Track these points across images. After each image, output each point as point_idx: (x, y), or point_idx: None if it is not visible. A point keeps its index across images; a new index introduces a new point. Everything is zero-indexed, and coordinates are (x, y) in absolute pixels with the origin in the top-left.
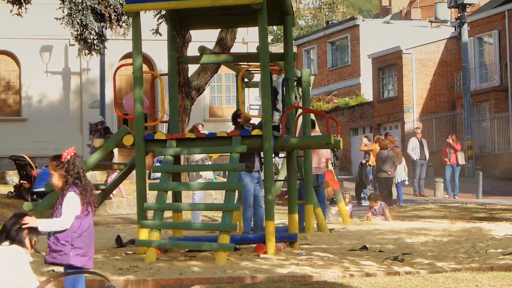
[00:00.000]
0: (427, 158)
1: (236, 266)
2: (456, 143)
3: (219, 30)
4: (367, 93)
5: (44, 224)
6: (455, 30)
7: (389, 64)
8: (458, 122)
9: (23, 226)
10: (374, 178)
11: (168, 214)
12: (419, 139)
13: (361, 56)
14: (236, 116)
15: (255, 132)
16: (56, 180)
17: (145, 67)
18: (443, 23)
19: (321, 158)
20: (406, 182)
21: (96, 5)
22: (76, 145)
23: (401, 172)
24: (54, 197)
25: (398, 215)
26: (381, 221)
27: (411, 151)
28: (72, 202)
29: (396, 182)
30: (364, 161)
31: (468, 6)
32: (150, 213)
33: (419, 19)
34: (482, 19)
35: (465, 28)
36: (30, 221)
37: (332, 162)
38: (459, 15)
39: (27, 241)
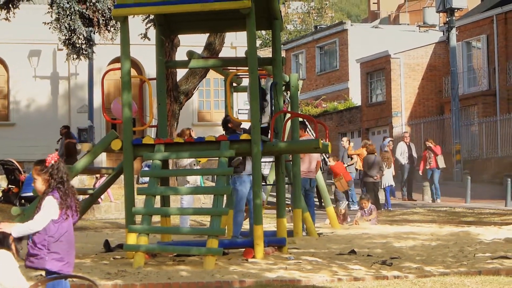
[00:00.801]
0: (415, 163)
1: (224, 271)
2: (435, 147)
3: (207, 34)
4: (355, 98)
5: (17, 229)
6: (443, 34)
7: (377, 69)
8: (446, 127)
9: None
10: (361, 183)
11: (156, 218)
12: (407, 144)
13: (349, 60)
14: (226, 122)
15: (244, 136)
16: (40, 184)
17: (133, 72)
18: (432, 27)
19: (312, 162)
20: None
21: (84, 10)
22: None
23: (388, 177)
24: None
25: (386, 219)
26: (370, 223)
27: (399, 155)
28: (48, 206)
29: (383, 187)
30: (346, 165)
31: (456, 10)
32: (138, 218)
33: (408, 24)
34: (470, 24)
35: (454, 32)
36: (4, 227)
37: (321, 167)
38: (447, 19)
39: (13, 247)
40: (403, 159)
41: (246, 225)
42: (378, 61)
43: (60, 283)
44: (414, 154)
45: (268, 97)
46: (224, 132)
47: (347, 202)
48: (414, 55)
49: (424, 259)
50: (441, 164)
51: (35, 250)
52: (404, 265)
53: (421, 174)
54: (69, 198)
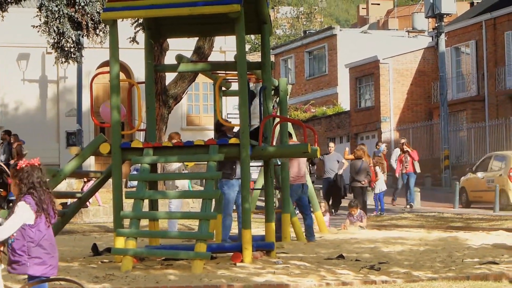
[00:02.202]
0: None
1: (212, 275)
2: (413, 151)
3: (196, 38)
4: (344, 103)
5: None
6: (432, 40)
7: (366, 74)
8: (435, 132)
9: None
10: (349, 188)
11: (144, 222)
12: (404, 150)
13: (338, 65)
14: (220, 125)
15: (233, 140)
16: (13, 188)
17: (122, 75)
18: (421, 33)
19: (301, 166)
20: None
21: (73, 13)
22: (52, 153)
23: (381, 183)
24: None
25: (374, 224)
26: (358, 229)
27: (394, 161)
28: (19, 212)
29: (377, 192)
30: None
31: (445, 16)
32: (126, 222)
33: (397, 29)
34: (459, 29)
35: (443, 38)
36: None
37: (308, 169)
38: (436, 25)
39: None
40: (417, 167)
41: (234, 229)
42: (367, 66)
43: (43, 286)
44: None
45: (255, 100)
46: (216, 135)
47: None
48: (403, 61)
49: (412, 264)
50: (418, 169)
51: (16, 257)
52: (392, 270)
53: (397, 176)
54: (44, 204)
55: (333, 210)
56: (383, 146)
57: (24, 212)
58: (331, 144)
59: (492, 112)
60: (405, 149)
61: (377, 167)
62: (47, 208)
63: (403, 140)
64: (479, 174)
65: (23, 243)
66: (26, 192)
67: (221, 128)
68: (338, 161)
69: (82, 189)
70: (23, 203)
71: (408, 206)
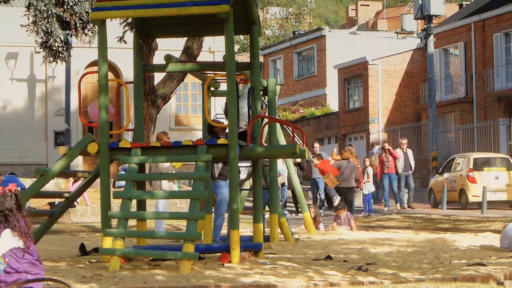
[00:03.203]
0: (412, 170)
1: (200, 275)
2: (394, 150)
3: (185, 39)
4: (332, 104)
5: None
6: (421, 41)
7: (355, 75)
8: (423, 133)
9: None
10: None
11: (132, 222)
12: (405, 151)
13: (327, 66)
14: (212, 126)
15: (221, 141)
16: None
17: (110, 75)
18: (409, 34)
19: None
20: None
21: (61, 13)
22: (40, 152)
23: (370, 184)
24: None
25: (362, 225)
26: (345, 231)
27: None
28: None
29: (366, 193)
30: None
31: (434, 17)
32: (114, 222)
33: (386, 30)
34: (448, 31)
35: (431, 39)
36: None
37: (296, 172)
38: (425, 26)
39: None
40: (399, 167)
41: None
42: (356, 67)
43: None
44: (412, 162)
45: (243, 103)
46: (209, 137)
47: (340, 197)
48: (391, 62)
49: (400, 265)
50: (400, 169)
51: (13, 277)
52: (380, 271)
53: (378, 179)
54: (16, 232)
55: (324, 211)
56: (376, 148)
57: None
58: (316, 145)
59: (480, 114)
60: (386, 147)
61: (368, 168)
62: (22, 232)
63: (403, 141)
64: (445, 175)
65: (19, 266)
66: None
67: (213, 129)
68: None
69: (72, 185)
70: (7, 231)
71: (400, 207)
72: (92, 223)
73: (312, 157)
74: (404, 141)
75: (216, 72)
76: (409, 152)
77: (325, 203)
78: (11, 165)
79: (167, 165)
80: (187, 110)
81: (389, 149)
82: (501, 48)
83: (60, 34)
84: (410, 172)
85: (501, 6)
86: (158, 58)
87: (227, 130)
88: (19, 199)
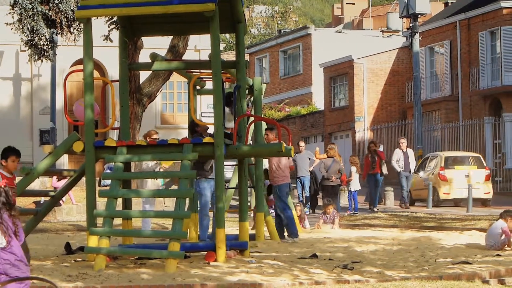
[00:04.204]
0: (412, 170)
1: (186, 274)
2: (381, 152)
3: (171, 37)
4: (318, 102)
5: None
6: (406, 40)
7: (340, 73)
8: (409, 132)
9: None
10: (319, 186)
11: (118, 221)
12: (404, 151)
13: (313, 65)
14: (194, 125)
15: (207, 139)
16: None
17: (96, 73)
18: (395, 33)
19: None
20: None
21: (47, 11)
22: (26, 151)
23: (355, 182)
24: None
25: (348, 224)
26: (331, 229)
27: (395, 162)
28: None
29: (352, 190)
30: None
31: (420, 16)
32: (99, 220)
33: (371, 29)
34: (433, 29)
35: (417, 38)
36: None
37: None
38: (410, 25)
39: None
40: (399, 167)
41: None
42: (341, 65)
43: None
44: (412, 161)
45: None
46: (191, 136)
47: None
48: (377, 60)
49: (385, 264)
50: (385, 170)
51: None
52: (365, 270)
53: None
54: (4, 226)
55: (310, 210)
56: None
57: None
58: (301, 143)
59: (465, 112)
60: (373, 148)
61: (352, 167)
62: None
63: (402, 140)
64: (420, 174)
65: (16, 258)
66: None
67: (195, 128)
68: (309, 159)
69: (52, 186)
70: None
71: (404, 207)
72: (77, 221)
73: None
74: (403, 141)
75: (202, 71)
76: (410, 151)
77: (309, 203)
78: None
79: (151, 164)
80: (173, 109)
81: (375, 150)
82: (487, 46)
83: (45, 32)
84: (409, 173)
85: (486, 4)
86: (143, 57)
87: (210, 130)
88: (9, 196)
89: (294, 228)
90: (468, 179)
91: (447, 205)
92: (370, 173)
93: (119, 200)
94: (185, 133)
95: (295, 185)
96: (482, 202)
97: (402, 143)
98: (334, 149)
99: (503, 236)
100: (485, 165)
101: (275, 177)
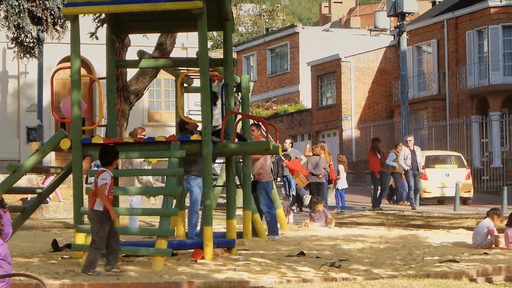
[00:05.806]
0: (420, 168)
1: (173, 271)
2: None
3: (158, 34)
4: (306, 101)
5: None
6: (394, 38)
7: (328, 72)
8: (396, 130)
9: None
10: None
11: None
12: (412, 149)
13: (300, 63)
14: (183, 123)
15: (194, 137)
16: None
17: (83, 71)
18: (382, 31)
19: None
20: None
21: (33, 8)
22: (13, 148)
23: (343, 181)
24: None
25: (335, 222)
26: (318, 227)
27: (402, 161)
28: None
29: (339, 188)
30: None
31: (407, 15)
32: (87, 218)
33: (359, 28)
34: (421, 28)
35: (404, 36)
36: None
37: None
38: (398, 23)
39: None
40: (406, 165)
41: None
42: (329, 64)
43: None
44: (419, 160)
45: (218, 101)
46: (180, 135)
47: (310, 196)
48: (364, 59)
49: (373, 262)
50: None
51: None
52: (353, 267)
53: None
54: None
55: (297, 208)
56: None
57: None
58: (287, 141)
59: (453, 111)
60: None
61: (340, 165)
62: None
63: (409, 138)
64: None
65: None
66: None
67: (184, 126)
68: (296, 157)
69: (43, 183)
70: None
71: (411, 207)
72: (64, 219)
73: (282, 155)
74: (410, 138)
75: (189, 68)
76: (417, 149)
77: (296, 202)
78: None
79: (140, 161)
80: (160, 106)
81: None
82: (474, 45)
83: (31, 29)
84: (417, 171)
85: (474, 3)
86: (131, 54)
87: (199, 128)
88: None
89: (275, 226)
90: (448, 179)
91: (431, 203)
92: (381, 170)
93: None
94: (172, 131)
95: (281, 183)
96: (462, 201)
97: (409, 140)
98: (320, 147)
99: (490, 236)
100: (465, 164)
101: (262, 173)
